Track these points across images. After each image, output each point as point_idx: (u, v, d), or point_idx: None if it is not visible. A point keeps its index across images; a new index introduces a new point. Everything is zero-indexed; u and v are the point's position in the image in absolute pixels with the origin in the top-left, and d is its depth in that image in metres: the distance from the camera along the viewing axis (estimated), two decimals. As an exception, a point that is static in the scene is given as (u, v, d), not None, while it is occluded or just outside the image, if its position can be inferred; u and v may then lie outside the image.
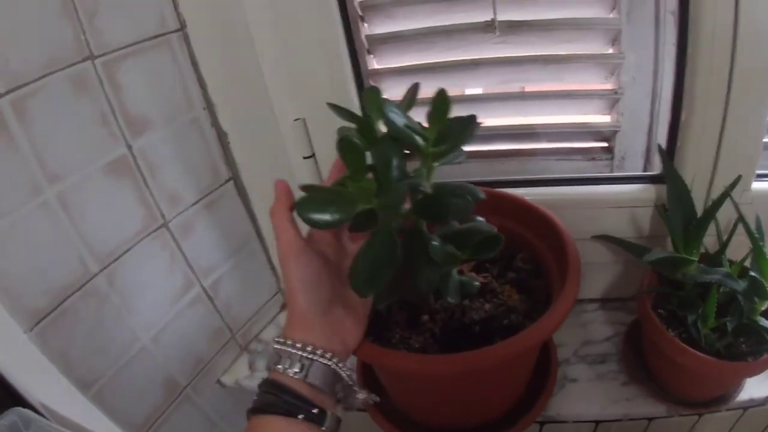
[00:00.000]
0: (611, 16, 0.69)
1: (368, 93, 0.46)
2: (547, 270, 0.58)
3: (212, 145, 0.69)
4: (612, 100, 0.72)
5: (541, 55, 0.70)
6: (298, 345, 0.44)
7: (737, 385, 0.66)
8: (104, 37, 0.56)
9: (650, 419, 0.69)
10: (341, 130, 0.45)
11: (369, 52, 0.74)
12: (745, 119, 0.63)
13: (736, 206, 0.59)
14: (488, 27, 0.69)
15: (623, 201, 0.68)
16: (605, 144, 0.75)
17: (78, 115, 0.55)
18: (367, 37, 0.72)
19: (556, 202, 0.68)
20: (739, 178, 0.60)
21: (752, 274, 0.56)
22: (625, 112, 0.72)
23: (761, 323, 0.58)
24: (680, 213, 0.61)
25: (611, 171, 0.75)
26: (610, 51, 0.70)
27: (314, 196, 0.42)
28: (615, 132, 0.73)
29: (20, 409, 0.52)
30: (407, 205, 0.44)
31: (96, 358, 0.58)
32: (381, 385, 0.60)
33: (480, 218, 0.52)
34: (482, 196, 0.45)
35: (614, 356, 0.71)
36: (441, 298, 0.51)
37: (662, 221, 0.65)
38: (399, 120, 0.45)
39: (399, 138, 0.44)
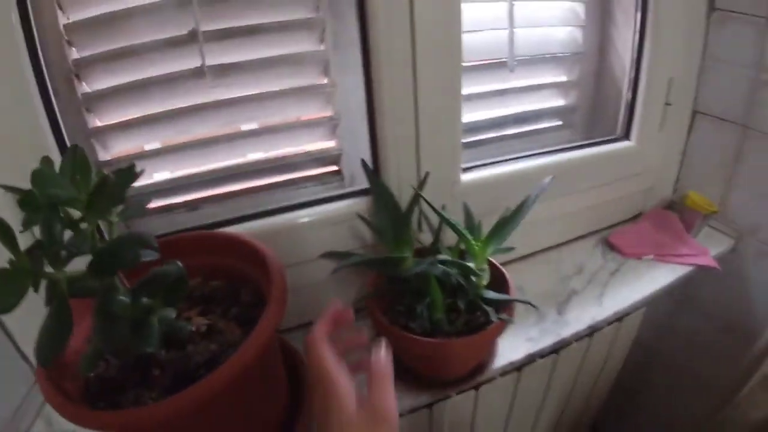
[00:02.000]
0: (321, 48, 0.75)
1: (38, 170, 0.46)
2: (268, 298, 0.61)
3: None
4: (332, 125, 0.78)
5: (256, 94, 0.74)
6: None
7: (489, 354, 0.74)
8: None
9: (430, 405, 0.74)
10: None
11: (88, 111, 0.73)
12: (438, 125, 0.71)
13: (428, 202, 0.65)
14: (199, 73, 0.72)
15: (340, 217, 0.73)
16: (335, 167, 0.80)
17: None
18: (84, 95, 0.72)
19: (281, 230, 0.71)
20: (426, 176, 0.68)
21: (451, 259, 0.63)
22: (345, 135, 0.78)
23: (486, 296, 0.64)
24: (387, 217, 0.67)
25: (342, 190, 0.80)
26: (325, 81, 0.76)
27: None
28: (340, 155, 0.79)
29: None
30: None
31: None
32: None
33: (177, 262, 0.53)
34: (154, 243, 0.46)
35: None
36: (167, 348, 0.51)
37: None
38: (52, 187, 0.45)
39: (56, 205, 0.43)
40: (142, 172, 0.48)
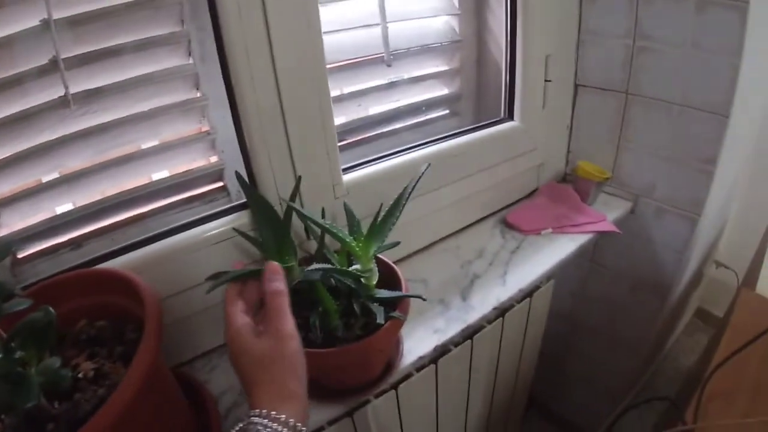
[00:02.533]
0: (189, 62, 0.73)
1: None
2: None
3: None
4: (210, 140, 0.76)
5: (128, 117, 0.71)
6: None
7: (396, 352, 0.74)
8: None
9: (350, 413, 0.73)
10: None
11: None
12: (309, 129, 0.70)
13: (298, 210, 0.63)
14: (63, 102, 0.69)
15: (222, 235, 0.71)
16: (220, 183, 0.78)
17: None
18: None
19: (163, 256, 0.69)
20: (298, 182, 0.67)
21: (333, 264, 0.62)
22: (224, 149, 0.76)
23: (378, 296, 0.64)
24: (269, 229, 0.65)
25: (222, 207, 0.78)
26: (197, 94, 0.73)
27: None
28: (222, 170, 0.77)
29: None
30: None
31: None
32: None
33: (47, 307, 0.50)
34: (17, 292, 0.44)
35: None
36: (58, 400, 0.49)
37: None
38: None
39: None
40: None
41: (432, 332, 0.78)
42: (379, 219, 0.63)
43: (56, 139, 0.70)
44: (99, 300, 0.63)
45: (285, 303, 0.53)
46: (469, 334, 0.84)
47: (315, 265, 0.60)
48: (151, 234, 0.71)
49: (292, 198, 0.66)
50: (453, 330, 0.78)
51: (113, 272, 0.61)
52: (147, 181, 0.76)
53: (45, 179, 0.72)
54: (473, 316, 0.80)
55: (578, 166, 1.06)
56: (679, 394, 1.40)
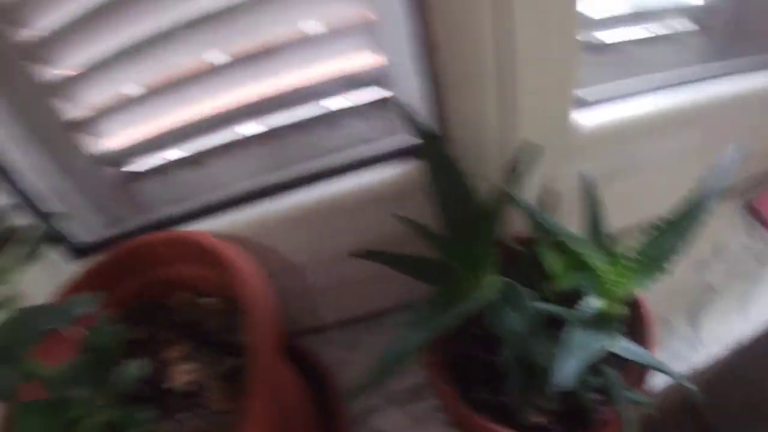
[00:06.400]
0: None
1: None
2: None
3: None
4: (369, 33, 0.50)
5: None
6: None
7: None
8: None
9: None
10: None
11: (35, 61, 0.50)
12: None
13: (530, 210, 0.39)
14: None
15: (384, 193, 0.49)
16: (381, 94, 0.53)
17: None
18: (24, 43, 0.49)
19: (297, 213, 0.50)
20: (529, 152, 0.40)
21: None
22: (391, 47, 0.50)
23: (619, 351, 0.39)
24: (452, 204, 0.41)
25: (394, 129, 0.54)
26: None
27: None
28: (386, 76, 0.52)
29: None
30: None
31: None
32: None
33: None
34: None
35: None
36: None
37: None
38: None
39: None
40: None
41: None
42: (660, 232, 0.37)
43: (165, 30, 0.49)
44: (206, 273, 0.47)
45: None
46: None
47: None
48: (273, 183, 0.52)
49: (512, 177, 0.40)
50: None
51: (218, 253, 0.43)
52: (279, 87, 0.53)
53: (151, 82, 0.54)
54: (700, 356, 0.54)
55: None
56: None
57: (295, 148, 0.55)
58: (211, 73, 0.52)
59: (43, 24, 0.49)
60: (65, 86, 0.52)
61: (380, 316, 0.60)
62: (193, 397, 0.39)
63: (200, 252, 0.44)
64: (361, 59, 0.52)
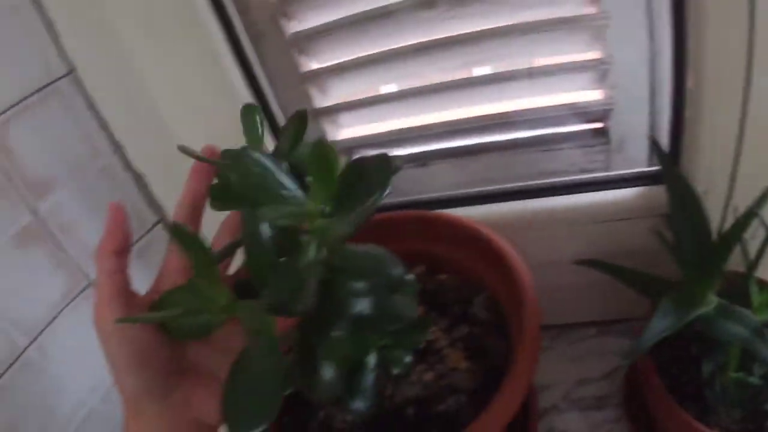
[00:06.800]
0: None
1: (243, 115, 0.36)
2: (508, 323, 0.48)
3: (130, 191, 0.65)
4: (600, 71, 0.56)
5: (503, 27, 0.56)
6: None
7: None
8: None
9: None
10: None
11: (300, 52, 0.63)
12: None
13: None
14: (429, 2, 0.56)
15: (615, 212, 0.54)
16: (599, 125, 0.60)
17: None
18: (294, 34, 0.62)
19: (530, 217, 0.57)
20: None
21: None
22: (618, 84, 0.56)
23: None
24: (689, 231, 0.46)
25: (607, 159, 0.60)
26: (592, 11, 0.54)
27: (169, 309, 0.33)
28: (608, 111, 0.58)
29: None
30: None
31: (46, 428, 0.58)
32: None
33: (410, 277, 0.38)
34: (397, 274, 0.32)
35: (614, 398, 0.57)
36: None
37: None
38: (265, 175, 0.35)
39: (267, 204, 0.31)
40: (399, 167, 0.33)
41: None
42: None
43: (416, 44, 0.60)
44: (440, 251, 0.55)
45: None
46: None
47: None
48: (512, 186, 0.60)
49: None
50: None
51: (480, 233, 0.51)
52: (508, 108, 0.62)
53: (397, 86, 0.65)
54: None
55: None
56: None
57: (509, 164, 0.63)
58: (450, 87, 0.61)
59: (312, 20, 0.61)
60: (321, 77, 0.64)
61: (568, 328, 0.65)
62: (432, 355, 0.47)
63: (466, 236, 0.51)
64: (588, 93, 0.59)
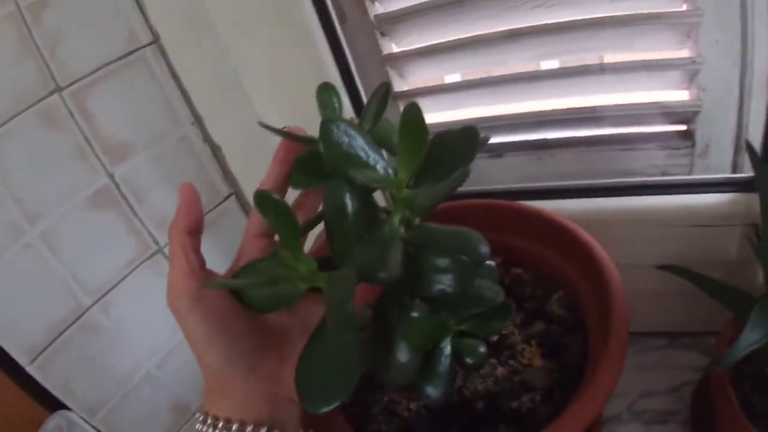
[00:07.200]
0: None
1: (320, 93, 0.35)
2: (588, 322, 0.46)
3: (206, 162, 0.66)
4: (690, 71, 0.54)
5: (592, 19, 0.55)
6: (220, 424, 0.32)
7: None
8: (68, 67, 0.53)
9: None
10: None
11: (383, 35, 0.63)
12: None
13: None
14: (515, -10, 0.56)
15: (700, 218, 0.52)
16: (683, 127, 0.57)
17: (52, 151, 0.54)
18: (377, 17, 0.62)
19: (609, 216, 0.54)
20: None
21: None
22: (707, 86, 0.54)
23: None
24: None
25: (691, 164, 0.57)
26: (683, 8, 0.52)
27: (251, 277, 0.33)
28: (695, 113, 0.55)
29: (65, 412, 0.55)
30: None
31: (100, 385, 0.59)
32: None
33: (491, 263, 0.39)
34: (483, 252, 0.32)
35: (680, 415, 0.55)
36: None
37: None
38: (353, 144, 0.33)
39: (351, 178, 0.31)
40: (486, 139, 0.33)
41: None
42: None
43: (505, 31, 0.58)
44: (515, 243, 0.53)
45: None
46: None
47: None
48: (598, 183, 0.58)
49: None
50: None
51: (566, 226, 0.49)
52: (593, 103, 0.60)
53: (475, 74, 0.65)
54: None
55: None
56: None
57: (587, 161, 0.61)
58: (531, 78, 0.60)
59: (395, 3, 0.60)
60: (400, 61, 0.64)
61: (636, 336, 0.61)
62: (505, 350, 0.45)
63: (547, 230, 0.49)
64: (675, 93, 0.56)
